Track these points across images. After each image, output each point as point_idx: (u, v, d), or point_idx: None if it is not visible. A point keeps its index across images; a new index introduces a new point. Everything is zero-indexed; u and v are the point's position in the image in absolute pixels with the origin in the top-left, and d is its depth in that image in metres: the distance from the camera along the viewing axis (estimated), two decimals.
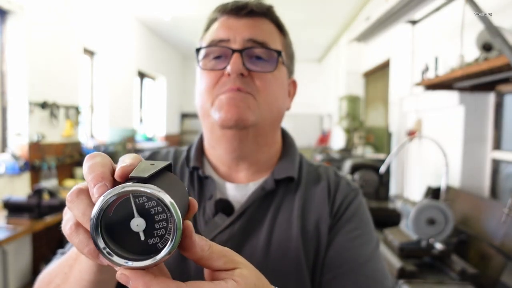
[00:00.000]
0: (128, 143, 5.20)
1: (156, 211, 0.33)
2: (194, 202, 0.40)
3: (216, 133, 0.69)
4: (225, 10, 0.70)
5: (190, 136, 8.95)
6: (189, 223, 0.35)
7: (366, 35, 2.87)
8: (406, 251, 1.74)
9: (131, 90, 6.07)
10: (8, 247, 2.63)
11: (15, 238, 2.35)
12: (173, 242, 0.33)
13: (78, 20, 4.23)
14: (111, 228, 0.33)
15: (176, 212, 0.33)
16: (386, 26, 2.49)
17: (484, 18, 1.70)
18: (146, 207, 0.33)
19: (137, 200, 0.33)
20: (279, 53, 0.69)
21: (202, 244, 0.36)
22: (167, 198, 0.33)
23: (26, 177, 3.38)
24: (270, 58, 0.68)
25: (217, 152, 0.72)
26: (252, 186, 0.71)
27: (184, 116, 9.12)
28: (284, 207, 0.69)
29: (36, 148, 3.52)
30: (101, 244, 0.33)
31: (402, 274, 1.62)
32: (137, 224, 0.33)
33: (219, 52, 0.68)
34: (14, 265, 2.78)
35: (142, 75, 6.86)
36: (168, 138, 7.91)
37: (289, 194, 0.71)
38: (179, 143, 8.57)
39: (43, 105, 3.56)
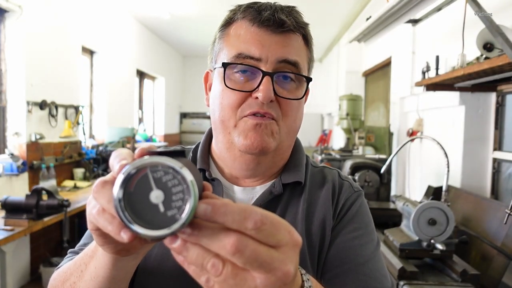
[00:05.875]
0: (127, 143, 5.18)
1: (173, 184, 0.36)
2: (208, 185, 0.41)
3: (234, 151, 0.68)
4: (259, 21, 0.64)
5: (189, 136, 8.94)
6: (208, 185, 0.39)
7: (366, 35, 2.86)
8: (407, 252, 1.73)
9: (131, 90, 6.06)
10: (6, 248, 2.62)
11: (13, 238, 2.34)
12: (189, 211, 0.35)
13: (77, 19, 4.21)
14: (133, 203, 0.35)
15: (192, 181, 0.35)
16: (386, 26, 2.48)
17: (485, 18, 1.69)
18: (164, 180, 0.36)
19: (154, 174, 0.36)
20: (309, 80, 0.67)
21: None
22: (181, 167, 0.35)
23: (24, 177, 3.36)
24: (298, 81, 0.67)
25: (229, 164, 0.71)
26: (259, 190, 0.71)
27: (183, 115, 9.12)
28: (290, 210, 0.70)
29: (35, 148, 3.50)
30: (124, 215, 0.35)
31: (403, 274, 1.61)
32: (156, 196, 0.35)
33: (247, 68, 0.64)
34: (12, 266, 2.76)
35: (141, 74, 6.85)
36: (167, 137, 7.90)
37: (295, 197, 0.71)
38: (178, 143, 8.55)
39: (42, 105, 3.55)
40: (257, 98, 0.63)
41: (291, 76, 0.65)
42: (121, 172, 0.36)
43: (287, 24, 0.64)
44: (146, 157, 0.36)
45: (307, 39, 0.70)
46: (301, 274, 0.43)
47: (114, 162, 0.39)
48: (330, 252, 0.67)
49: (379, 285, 0.64)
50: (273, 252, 0.34)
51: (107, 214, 0.38)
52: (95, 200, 0.40)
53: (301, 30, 0.67)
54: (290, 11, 0.67)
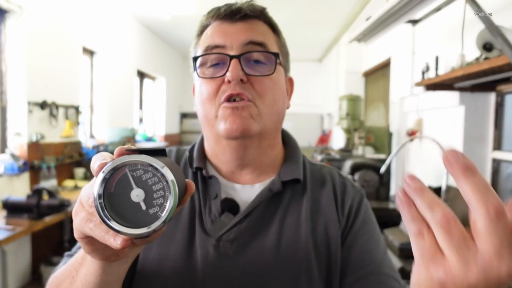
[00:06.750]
0: (127, 143, 5.19)
1: (153, 182, 0.35)
2: (191, 183, 0.41)
3: (221, 143, 0.69)
4: (218, 16, 0.69)
5: (189, 136, 8.95)
6: (191, 183, 0.39)
7: (366, 35, 2.86)
8: (406, 252, 1.73)
9: (131, 90, 6.06)
10: (7, 248, 2.63)
11: (14, 238, 2.34)
12: (169, 208, 0.35)
13: (77, 19, 4.22)
14: (114, 202, 0.35)
15: (172, 180, 0.35)
16: (386, 26, 2.49)
17: (484, 18, 1.70)
18: (144, 179, 0.36)
19: (134, 173, 0.35)
20: (276, 55, 0.69)
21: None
22: (159, 164, 0.35)
23: (25, 177, 3.37)
24: (267, 61, 0.68)
25: (220, 158, 0.72)
26: (258, 187, 0.71)
27: (184, 116, 9.12)
28: (292, 209, 0.70)
29: (35, 148, 3.51)
30: (104, 214, 0.35)
31: (403, 274, 1.61)
32: (137, 194, 0.35)
33: (216, 59, 0.67)
34: (13, 266, 2.77)
35: (141, 74, 6.86)
36: (168, 138, 7.91)
37: (296, 196, 0.71)
38: (178, 143, 8.56)
39: (43, 105, 3.56)
40: (229, 82, 0.64)
41: (260, 60, 0.67)
42: (101, 172, 0.36)
43: (243, 9, 0.68)
44: (125, 156, 0.36)
45: (272, 26, 0.72)
46: None
47: (95, 164, 0.39)
48: (351, 255, 0.67)
49: (397, 285, 0.65)
50: None
51: (94, 220, 0.38)
52: (81, 206, 0.41)
53: (260, 14, 0.70)
54: (247, 1, 0.71)
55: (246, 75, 0.65)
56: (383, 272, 0.65)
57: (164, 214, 0.35)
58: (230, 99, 0.64)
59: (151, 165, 0.35)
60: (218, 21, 0.69)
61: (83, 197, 0.41)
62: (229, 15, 0.68)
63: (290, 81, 0.77)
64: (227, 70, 0.64)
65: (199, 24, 0.73)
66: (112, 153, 0.41)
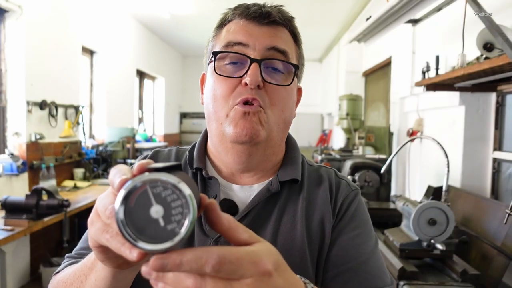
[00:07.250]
0: (127, 143, 5.18)
1: (172, 199, 0.36)
2: (205, 197, 0.42)
3: (226, 143, 0.69)
4: (247, 15, 0.68)
5: (189, 136, 8.94)
6: (213, 201, 0.40)
7: (366, 35, 2.86)
8: (407, 252, 1.73)
9: (130, 90, 6.06)
10: (6, 248, 2.62)
11: (13, 238, 2.34)
12: (188, 224, 0.36)
13: (77, 19, 4.21)
14: (134, 218, 0.36)
15: (190, 195, 0.36)
16: (386, 26, 2.48)
17: (485, 18, 1.69)
18: (163, 195, 0.36)
19: (154, 190, 0.36)
20: (296, 67, 0.69)
21: (228, 216, 0.39)
22: (179, 182, 0.36)
23: (24, 177, 3.36)
24: (286, 71, 0.68)
25: (223, 158, 0.72)
26: (256, 188, 0.72)
27: (183, 115, 9.12)
28: (289, 208, 0.71)
29: (35, 148, 3.50)
30: (126, 231, 0.36)
31: (403, 274, 1.61)
32: (156, 211, 0.36)
33: (236, 58, 0.67)
34: (12, 266, 2.77)
35: (141, 74, 6.85)
36: (167, 137, 7.91)
37: (293, 195, 0.72)
38: (178, 143, 8.55)
39: (42, 105, 3.55)
40: (246, 84, 0.64)
41: (280, 67, 0.67)
42: (123, 188, 0.36)
43: (273, 15, 0.68)
44: (146, 173, 0.37)
45: (295, 36, 0.72)
46: (305, 283, 0.44)
47: (115, 178, 0.39)
48: (332, 251, 0.68)
49: (380, 283, 0.65)
50: (235, 285, 0.35)
51: (110, 231, 0.39)
52: (97, 216, 0.41)
53: (287, 23, 0.70)
54: (277, 6, 0.71)
55: (264, 81, 0.65)
56: (364, 270, 0.65)
57: (182, 231, 0.36)
58: (244, 102, 0.65)
59: (171, 183, 0.36)
60: (244, 19, 0.68)
61: (99, 207, 0.41)
62: (258, 17, 0.67)
63: (299, 91, 0.78)
64: (245, 72, 0.64)
65: (222, 16, 0.72)
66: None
